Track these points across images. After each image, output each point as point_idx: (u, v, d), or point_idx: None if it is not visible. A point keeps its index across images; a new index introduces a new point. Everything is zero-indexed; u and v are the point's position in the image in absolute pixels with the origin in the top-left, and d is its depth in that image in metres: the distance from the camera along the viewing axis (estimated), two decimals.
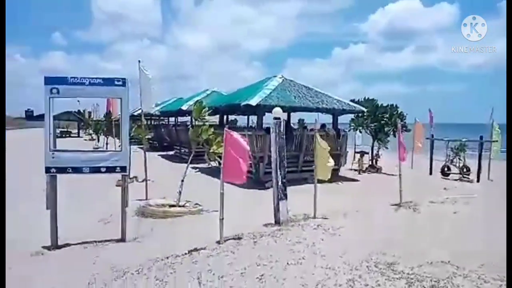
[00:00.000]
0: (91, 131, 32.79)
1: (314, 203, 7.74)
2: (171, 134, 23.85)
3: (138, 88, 10.63)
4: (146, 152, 23.11)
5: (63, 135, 37.24)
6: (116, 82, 6.36)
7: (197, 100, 9.41)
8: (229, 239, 6.13)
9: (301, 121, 23.35)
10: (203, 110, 8.71)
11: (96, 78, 6.34)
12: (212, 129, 8.31)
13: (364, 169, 17.14)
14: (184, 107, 19.35)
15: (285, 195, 7.22)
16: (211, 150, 8.13)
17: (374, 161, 17.62)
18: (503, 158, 16.88)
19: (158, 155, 22.31)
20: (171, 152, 23.31)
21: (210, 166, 8.87)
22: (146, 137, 15.67)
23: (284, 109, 13.95)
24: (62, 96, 6.20)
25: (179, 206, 8.20)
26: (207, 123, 8.76)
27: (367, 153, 18.04)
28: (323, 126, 16.15)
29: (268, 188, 9.91)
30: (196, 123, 9.14)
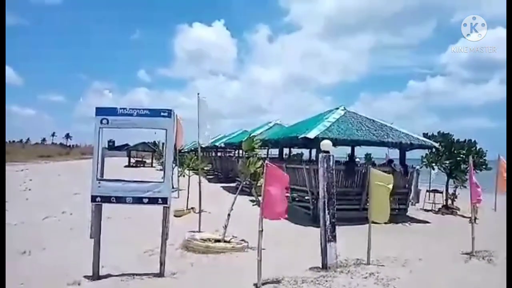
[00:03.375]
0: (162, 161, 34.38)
1: (368, 247, 6.95)
2: (234, 166, 24.05)
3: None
4: (210, 183, 23.43)
5: (138, 165, 39.50)
6: (162, 113, 6.39)
7: (248, 134, 9.22)
8: (267, 283, 5.65)
9: (368, 156, 22.36)
10: (254, 142, 8.48)
11: (144, 109, 6.43)
12: (260, 162, 8.02)
13: (437, 209, 15.60)
14: None
15: (334, 237, 6.57)
16: (258, 184, 7.80)
17: (450, 201, 15.99)
18: None
19: (221, 186, 22.52)
20: (234, 184, 23.41)
21: (257, 200, 8.55)
22: (205, 168, 15.93)
23: (345, 142, 13.32)
24: (111, 126, 6.36)
25: (224, 242, 7.90)
26: (256, 156, 8.50)
27: (440, 192, 16.46)
28: (390, 161, 15.13)
29: None
30: (247, 155, 8.93)
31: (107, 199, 6.21)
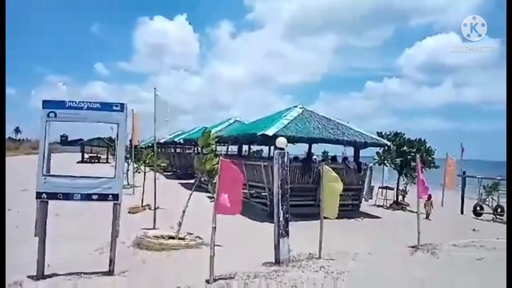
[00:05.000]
0: None
1: (319, 242, 7.13)
2: (193, 162, 23.76)
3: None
4: (168, 180, 23.01)
5: (92, 160, 38.14)
6: (114, 107, 6.21)
7: (205, 129, 9.17)
8: (220, 279, 5.65)
9: (325, 154, 22.86)
10: (210, 139, 8.43)
11: (95, 103, 6.23)
12: (217, 159, 7.97)
13: (388, 205, 16.26)
14: None
15: (287, 232, 6.69)
16: (214, 181, 7.75)
17: (401, 197, 16.72)
18: None
19: (179, 183, 22.26)
20: (193, 180, 23.16)
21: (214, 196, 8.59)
22: (162, 164, 15.65)
23: (302, 140, 13.56)
24: (59, 120, 6.12)
25: (178, 239, 7.81)
26: (214, 153, 8.46)
27: (392, 188, 17.17)
28: (344, 159, 15.60)
29: None
30: (204, 151, 8.86)
31: (53, 196, 5.97)
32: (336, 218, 7.60)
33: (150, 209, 11.75)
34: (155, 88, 10.57)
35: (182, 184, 21.68)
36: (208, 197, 14.47)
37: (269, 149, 21.95)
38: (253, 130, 13.70)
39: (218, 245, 6.18)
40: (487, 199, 16.04)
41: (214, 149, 8.67)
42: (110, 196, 6.06)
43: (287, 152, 6.98)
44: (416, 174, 15.94)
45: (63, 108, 6.09)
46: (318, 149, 20.05)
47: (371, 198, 16.23)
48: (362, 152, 14.64)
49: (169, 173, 28.76)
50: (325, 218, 7.39)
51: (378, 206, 16.20)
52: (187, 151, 30.63)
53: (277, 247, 6.66)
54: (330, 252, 7.39)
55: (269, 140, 13.60)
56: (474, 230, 11.78)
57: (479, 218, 15.37)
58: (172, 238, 7.85)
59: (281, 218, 6.67)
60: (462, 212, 16.39)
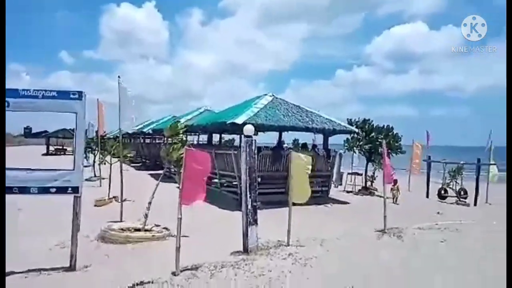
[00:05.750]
0: None
1: (288, 229, 7.12)
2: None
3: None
4: (137, 171, 22.48)
5: (58, 153, 36.83)
6: (71, 96, 5.90)
7: (174, 118, 8.94)
8: (186, 270, 5.54)
9: (295, 141, 22.97)
10: (178, 128, 8.21)
11: (51, 91, 5.88)
12: (184, 149, 7.77)
13: (357, 191, 16.55)
14: None
15: (255, 220, 6.63)
16: (181, 171, 7.57)
17: (369, 182, 17.04)
18: (502, 181, 16.26)
19: (149, 174, 21.82)
20: (163, 171, 22.74)
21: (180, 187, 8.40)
22: (128, 155, 15.27)
23: (272, 128, 13.52)
24: (13, 109, 5.73)
25: (145, 231, 7.61)
26: (182, 142, 8.24)
27: (360, 174, 17.48)
28: (314, 146, 15.69)
29: None
30: (170, 141, 8.64)
31: (8, 190, 5.62)
32: (306, 204, 7.60)
33: (117, 201, 11.43)
34: (119, 76, 10.18)
35: (151, 175, 21.25)
36: (178, 187, 14.27)
37: (240, 137, 21.82)
38: (223, 118, 13.51)
39: (186, 236, 6.05)
40: (451, 183, 16.60)
41: (183, 138, 8.45)
42: (70, 189, 5.78)
43: (255, 140, 6.89)
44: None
45: (16, 97, 5.71)
46: (288, 137, 20.14)
47: (340, 184, 16.40)
48: (333, 139, 14.78)
49: (138, 164, 28.19)
50: (294, 204, 7.37)
51: (347, 192, 16.45)
52: (157, 141, 30.02)
53: (245, 235, 6.61)
54: (299, 238, 7.42)
55: (239, 129, 13.47)
56: (438, 213, 12.15)
57: (443, 201, 15.90)
58: (138, 230, 7.64)
59: (249, 207, 6.61)
60: (427, 196, 16.90)
